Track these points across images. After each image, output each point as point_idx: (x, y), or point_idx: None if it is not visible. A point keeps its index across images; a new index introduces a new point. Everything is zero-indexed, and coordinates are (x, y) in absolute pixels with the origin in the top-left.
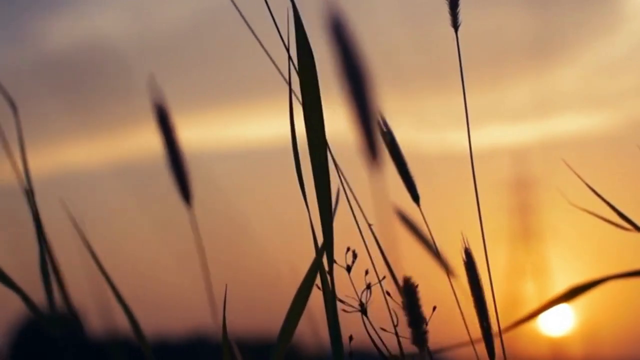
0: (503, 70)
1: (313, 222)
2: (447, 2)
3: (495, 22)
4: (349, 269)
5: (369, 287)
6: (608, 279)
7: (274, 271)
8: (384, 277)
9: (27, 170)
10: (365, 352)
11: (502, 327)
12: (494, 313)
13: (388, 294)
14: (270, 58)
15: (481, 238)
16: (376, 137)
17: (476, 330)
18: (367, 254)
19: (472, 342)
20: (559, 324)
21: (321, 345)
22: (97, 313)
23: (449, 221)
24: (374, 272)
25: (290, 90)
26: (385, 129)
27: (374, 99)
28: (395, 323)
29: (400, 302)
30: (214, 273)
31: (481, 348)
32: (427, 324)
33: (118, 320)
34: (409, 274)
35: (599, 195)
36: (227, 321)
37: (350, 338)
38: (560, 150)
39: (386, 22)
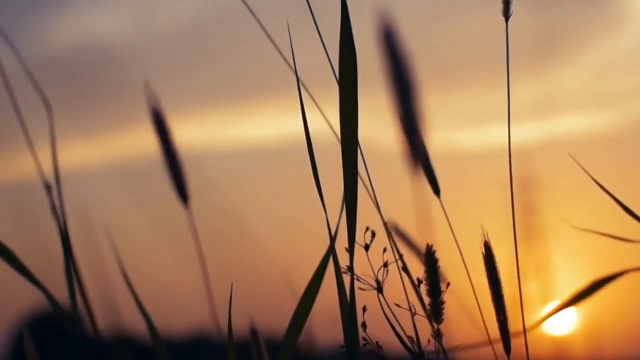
0: (505, 70)
1: (314, 221)
2: None
3: (498, 22)
4: (367, 248)
5: (385, 265)
6: (630, 271)
7: (275, 269)
8: (402, 256)
9: (57, 169)
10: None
11: (515, 325)
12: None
13: (405, 269)
14: (285, 58)
15: (488, 237)
16: (420, 140)
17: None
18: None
19: (490, 342)
20: (562, 323)
21: (323, 345)
22: (104, 312)
23: (455, 220)
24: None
25: (300, 90)
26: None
27: (420, 104)
28: (413, 309)
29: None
30: (217, 272)
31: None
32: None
33: (125, 320)
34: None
35: (607, 192)
36: (229, 320)
37: (364, 309)
38: (564, 149)
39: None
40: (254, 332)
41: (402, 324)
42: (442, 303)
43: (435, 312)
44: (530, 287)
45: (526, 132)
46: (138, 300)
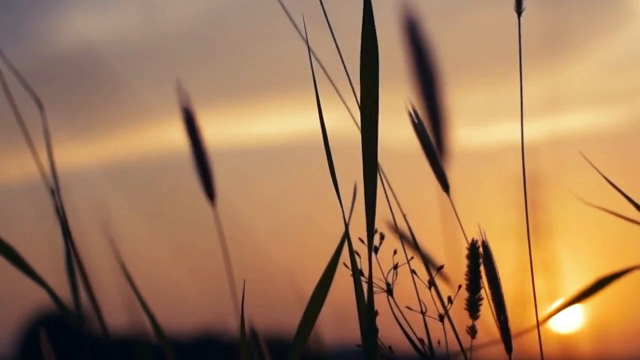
0: (513, 67)
1: (323, 219)
2: None
3: (504, 20)
4: (376, 250)
5: (395, 267)
6: (634, 269)
7: (282, 268)
8: (412, 258)
9: (53, 168)
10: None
11: (516, 324)
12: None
13: (414, 272)
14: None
15: (491, 235)
16: (445, 133)
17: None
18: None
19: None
20: (568, 321)
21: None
22: (124, 311)
23: (463, 216)
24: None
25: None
26: (417, 121)
27: (444, 98)
28: (424, 309)
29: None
30: (221, 271)
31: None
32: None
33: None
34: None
35: (615, 187)
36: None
37: (376, 313)
38: (570, 146)
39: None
40: (253, 332)
41: (416, 322)
42: (480, 299)
43: (472, 307)
44: (538, 284)
45: (533, 129)
46: (140, 297)
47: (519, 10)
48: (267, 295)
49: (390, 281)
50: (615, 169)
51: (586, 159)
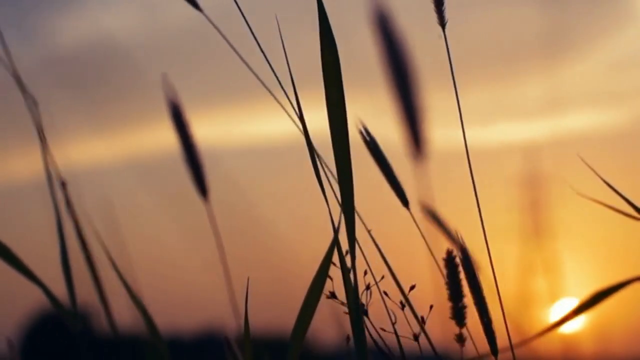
0: (514, 67)
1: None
2: (432, 0)
3: (506, 19)
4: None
5: (368, 287)
6: (633, 282)
7: (290, 265)
8: (382, 278)
9: (47, 166)
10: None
11: (513, 330)
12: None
13: (385, 294)
14: (248, 66)
15: (493, 235)
16: (422, 130)
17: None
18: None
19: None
20: (570, 320)
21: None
22: (129, 309)
23: (460, 218)
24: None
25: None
26: (367, 135)
27: (420, 94)
28: (394, 321)
29: (398, 303)
30: (232, 269)
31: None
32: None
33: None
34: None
35: (613, 189)
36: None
37: (348, 338)
38: (571, 147)
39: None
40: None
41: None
42: (464, 307)
43: (457, 315)
44: (540, 285)
45: (534, 129)
46: (133, 293)
47: (442, 23)
48: (271, 293)
49: (365, 302)
50: (617, 169)
51: (584, 161)
